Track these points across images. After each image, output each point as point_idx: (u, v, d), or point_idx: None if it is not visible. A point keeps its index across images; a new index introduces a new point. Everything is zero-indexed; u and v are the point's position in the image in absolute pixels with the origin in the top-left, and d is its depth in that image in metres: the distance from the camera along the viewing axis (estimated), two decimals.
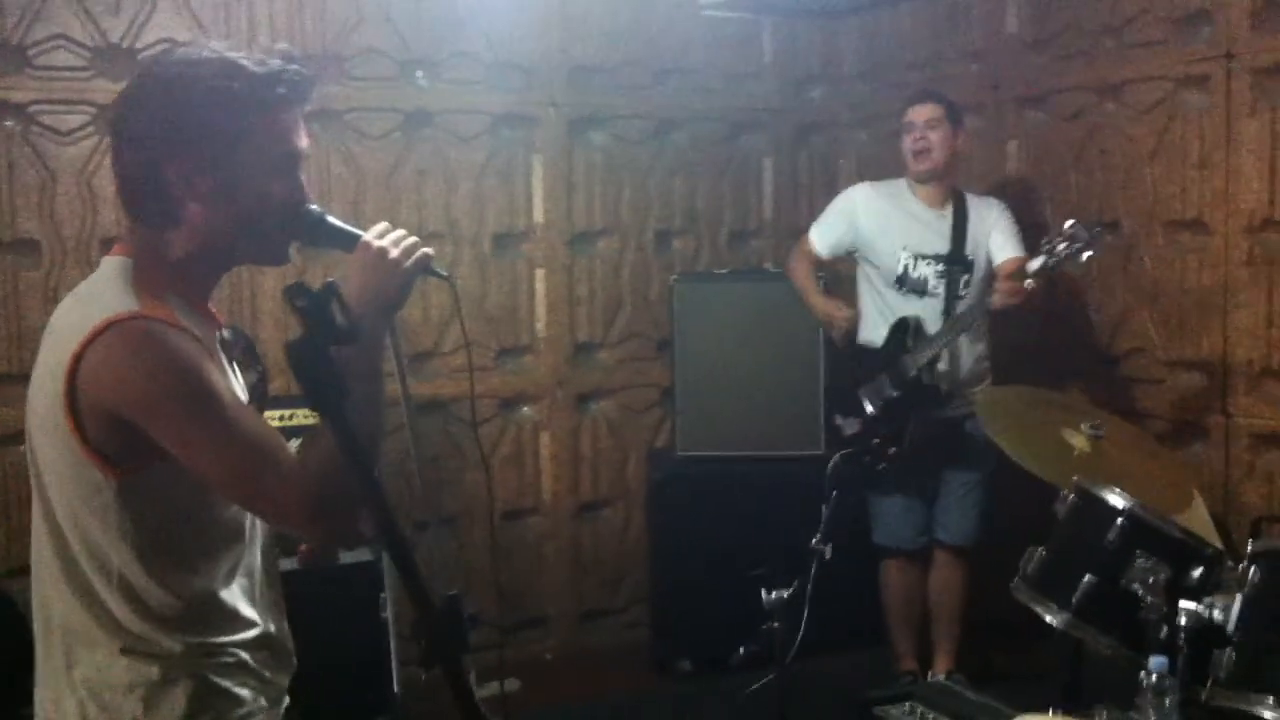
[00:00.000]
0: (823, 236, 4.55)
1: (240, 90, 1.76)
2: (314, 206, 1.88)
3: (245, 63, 1.78)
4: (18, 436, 4.18)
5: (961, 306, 4.27)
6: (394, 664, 3.09)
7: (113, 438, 1.70)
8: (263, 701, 1.88)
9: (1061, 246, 3.78)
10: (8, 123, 4.24)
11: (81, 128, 4.31)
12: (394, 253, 1.84)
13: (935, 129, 4.30)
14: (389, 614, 3.10)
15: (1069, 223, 3.81)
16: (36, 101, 4.26)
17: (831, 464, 3.94)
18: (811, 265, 4.60)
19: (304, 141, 1.85)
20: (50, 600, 1.81)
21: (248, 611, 1.86)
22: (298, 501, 1.71)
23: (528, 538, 5.17)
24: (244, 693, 1.84)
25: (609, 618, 5.32)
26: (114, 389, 1.68)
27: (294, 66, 1.81)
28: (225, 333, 1.91)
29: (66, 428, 1.70)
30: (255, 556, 1.90)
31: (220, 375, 1.76)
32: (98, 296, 1.75)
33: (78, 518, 1.75)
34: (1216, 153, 4.10)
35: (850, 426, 4.46)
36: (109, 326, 1.68)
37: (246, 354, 1.95)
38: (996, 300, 4.00)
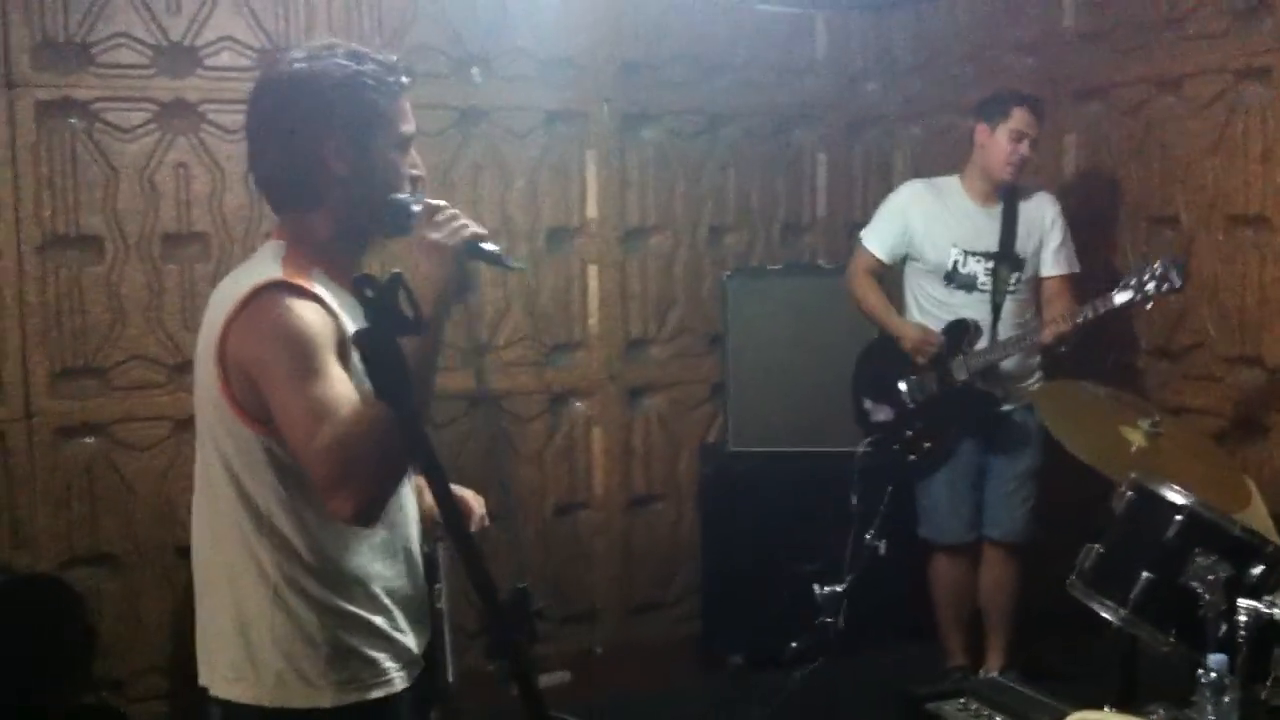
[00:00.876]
0: (881, 240, 4.48)
1: (377, 74, 1.97)
2: (400, 195, 2.02)
3: (371, 51, 2.00)
4: (81, 430, 4.31)
5: (1009, 304, 4.27)
6: (449, 654, 3.11)
7: (251, 395, 1.86)
8: (395, 664, 2.00)
9: (1150, 286, 3.77)
10: (71, 120, 4.31)
11: (143, 125, 4.38)
12: (435, 236, 1.92)
13: (1034, 146, 4.28)
14: (444, 605, 3.12)
15: (1161, 261, 3.79)
16: (100, 99, 4.33)
17: (860, 450, 3.94)
18: (874, 279, 4.51)
19: (414, 121, 2.05)
20: (208, 554, 1.99)
21: (381, 568, 1.98)
22: (322, 471, 1.79)
23: (579, 532, 5.20)
24: (379, 656, 1.97)
25: (659, 611, 5.33)
26: (241, 348, 1.86)
27: (397, 55, 2.05)
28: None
29: (218, 387, 1.88)
30: (397, 521, 2.02)
31: (335, 347, 1.86)
32: (251, 271, 1.94)
33: (234, 470, 1.91)
34: (1279, 147, 4.04)
35: (881, 413, 4.44)
36: (255, 292, 1.86)
37: None
38: (1046, 337, 4.03)
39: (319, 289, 1.91)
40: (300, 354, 1.82)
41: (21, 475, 4.26)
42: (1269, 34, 4.07)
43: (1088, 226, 4.51)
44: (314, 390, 1.81)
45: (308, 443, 1.79)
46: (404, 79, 2.01)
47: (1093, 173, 4.76)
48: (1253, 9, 4.12)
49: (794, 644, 3.49)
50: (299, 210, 2.00)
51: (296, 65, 1.98)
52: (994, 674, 4.22)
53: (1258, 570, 2.77)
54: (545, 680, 4.22)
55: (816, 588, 3.25)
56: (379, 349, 1.60)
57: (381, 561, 1.99)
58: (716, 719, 4.24)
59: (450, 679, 3.21)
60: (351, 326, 1.89)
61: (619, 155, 5.16)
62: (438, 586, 3.40)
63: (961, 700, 3.15)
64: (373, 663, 1.96)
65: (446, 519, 1.66)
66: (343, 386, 1.83)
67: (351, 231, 2.03)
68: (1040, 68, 4.96)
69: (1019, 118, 4.23)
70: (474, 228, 1.94)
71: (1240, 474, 3.55)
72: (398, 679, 2.00)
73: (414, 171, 2.05)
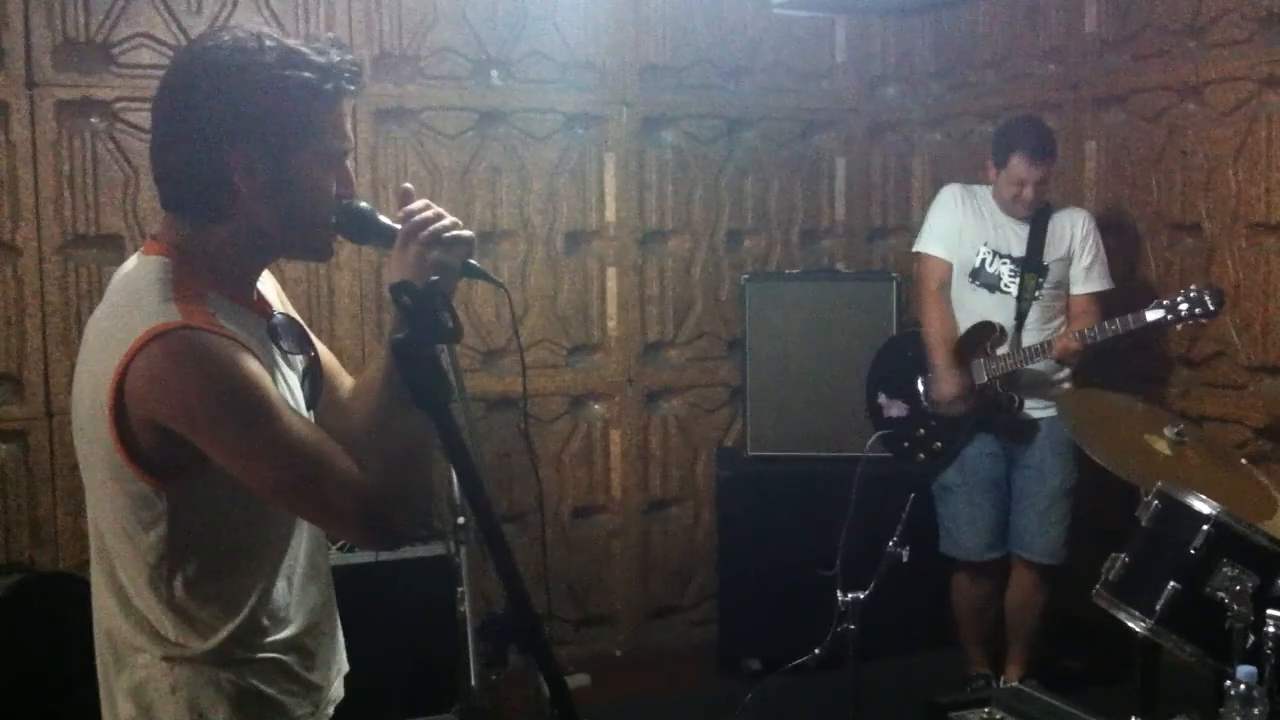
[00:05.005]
0: (945, 242, 4.36)
1: (306, 82, 1.71)
2: (364, 203, 1.84)
3: (307, 51, 1.72)
4: None
5: (1034, 310, 4.26)
6: (471, 657, 3.11)
7: (161, 450, 1.67)
8: (307, 708, 1.86)
9: (1183, 308, 3.76)
10: (93, 120, 4.33)
11: None
12: (435, 253, 1.75)
13: (1040, 185, 4.21)
14: (466, 608, 3.12)
15: (1198, 286, 3.80)
16: (120, 99, 4.34)
17: (869, 444, 3.92)
18: (946, 298, 4.34)
19: (350, 133, 1.82)
20: (100, 604, 1.82)
21: (289, 612, 1.84)
22: (358, 510, 1.70)
23: (597, 534, 5.19)
24: (287, 701, 1.83)
25: (677, 615, 5.33)
26: (161, 403, 1.63)
27: (349, 56, 1.77)
28: (276, 318, 1.88)
29: (111, 443, 1.67)
30: (300, 556, 1.88)
31: (269, 379, 1.71)
32: (136, 304, 1.69)
33: (125, 528, 1.73)
34: None
35: (895, 409, 4.43)
36: (153, 339, 1.63)
37: (298, 340, 1.91)
38: (1056, 353, 4.03)
39: (222, 320, 1.70)
40: (251, 400, 1.65)
41: (42, 474, 4.27)
42: None
43: (1109, 234, 4.49)
44: (294, 433, 1.68)
45: (315, 489, 1.68)
46: (346, 85, 1.75)
47: (1114, 180, 4.75)
48: (1276, 16, 4.11)
49: (816, 650, 3.46)
50: (200, 222, 1.75)
51: (212, 57, 1.71)
52: (1014, 683, 4.20)
53: None
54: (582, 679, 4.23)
55: (839, 594, 3.23)
56: (417, 357, 1.57)
57: (285, 602, 1.83)
58: None
59: (473, 682, 3.22)
60: (260, 351, 1.74)
61: (638, 158, 5.16)
62: (460, 590, 3.41)
63: (986, 709, 3.14)
64: (282, 708, 1.81)
65: (481, 519, 1.64)
66: (310, 423, 1.76)
67: (257, 249, 1.80)
68: (1061, 74, 4.94)
69: (1016, 166, 4.17)
70: (465, 238, 1.78)
71: (1264, 484, 3.54)
72: None
73: (345, 190, 1.80)
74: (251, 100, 1.69)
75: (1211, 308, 3.75)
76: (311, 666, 1.89)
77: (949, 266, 4.35)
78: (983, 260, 4.31)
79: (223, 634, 1.76)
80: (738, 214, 5.38)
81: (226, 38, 1.73)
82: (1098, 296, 4.28)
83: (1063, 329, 4.24)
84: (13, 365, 4.26)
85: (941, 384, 4.29)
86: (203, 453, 1.67)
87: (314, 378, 1.95)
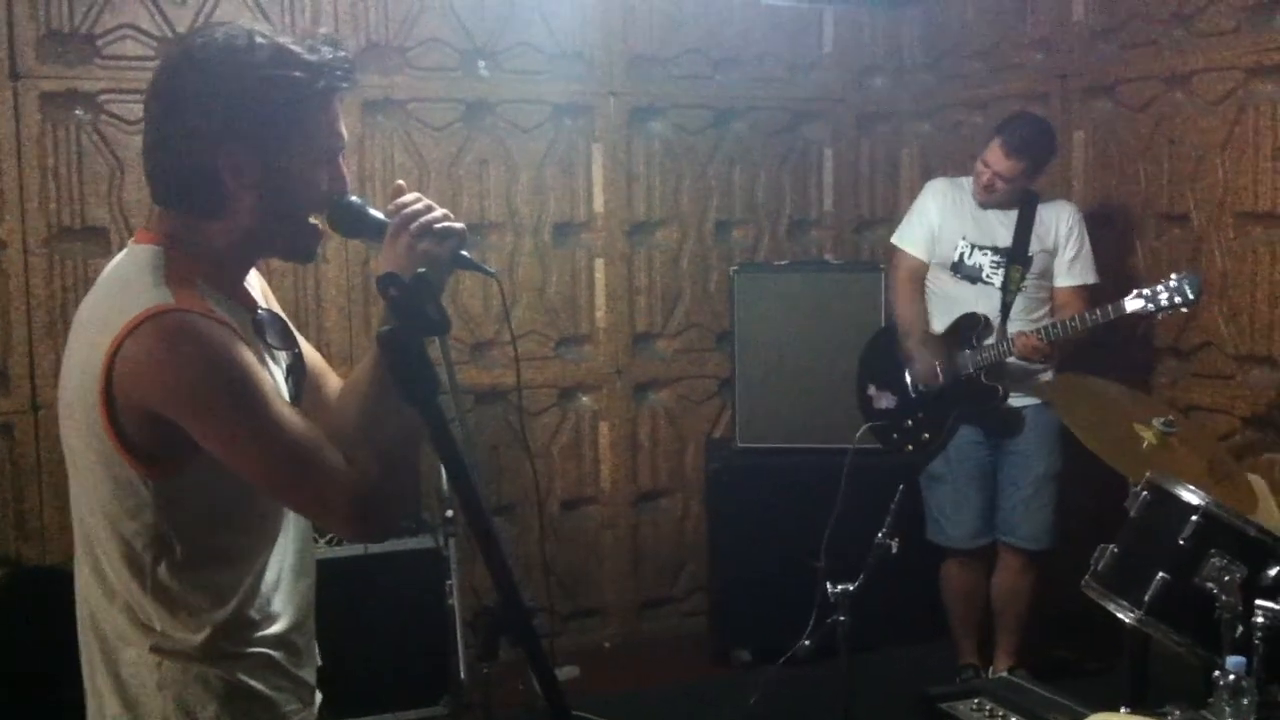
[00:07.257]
0: (914, 239, 4.43)
1: (297, 80, 1.69)
2: (355, 198, 1.82)
3: (298, 50, 1.70)
4: None
5: (1019, 301, 4.26)
6: (460, 650, 3.12)
7: (150, 435, 1.65)
8: (295, 704, 1.84)
9: (1163, 298, 3.77)
10: (77, 111, 4.30)
11: None
12: (425, 245, 1.75)
13: (1007, 180, 4.21)
14: (455, 601, 3.13)
15: (1177, 275, 3.79)
16: (105, 91, 4.32)
17: (857, 436, 3.95)
18: (917, 285, 4.43)
19: (344, 130, 1.80)
20: (85, 595, 1.79)
21: (277, 606, 1.82)
22: (345, 502, 1.68)
23: (586, 526, 5.19)
24: (276, 696, 1.81)
25: (667, 607, 5.33)
26: (152, 385, 1.62)
27: (341, 54, 1.75)
28: (261, 313, 1.86)
29: (101, 425, 1.65)
30: (288, 551, 1.86)
31: (261, 367, 1.71)
32: (128, 287, 1.68)
33: (110, 516, 1.71)
34: None
35: (884, 400, 4.46)
36: (145, 320, 1.62)
37: (282, 335, 1.90)
38: (1017, 350, 4.08)
39: (213, 306, 1.70)
40: (243, 386, 1.64)
41: (28, 468, 4.26)
42: (1279, 31, 4.05)
43: (1097, 224, 4.50)
44: (284, 421, 1.67)
45: (304, 479, 1.68)
46: (339, 82, 1.74)
47: (1102, 170, 4.75)
48: (1263, 5, 4.11)
49: (805, 641, 3.47)
50: (193, 216, 1.74)
51: (202, 56, 1.69)
52: (1003, 672, 4.21)
53: (1274, 571, 2.75)
54: (570, 672, 4.23)
55: (829, 585, 3.22)
56: (404, 349, 1.55)
57: (274, 596, 1.81)
58: (724, 715, 4.22)
59: (461, 675, 3.23)
60: (253, 342, 1.75)
61: (626, 149, 5.14)
62: (449, 583, 3.42)
63: (976, 700, 3.14)
64: (270, 704, 1.79)
65: (469, 513, 1.62)
66: (299, 413, 1.74)
67: (248, 245, 1.78)
68: (1049, 64, 4.94)
69: (989, 148, 4.24)
70: (456, 229, 1.78)
71: (1245, 475, 3.53)
72: None
73: (337, 186, 1.79)
74: (241, 101, 1.67)
75: (1191, 296, 3.75)
76: (299, 663, 1.87)
77: (920, 263, 4.43)
78: (961, 254, 4.33)
79: (210, 627, 1.74)
80: (726, 205, 5.37)
81: (218, 36, 1.71)
82: (1081, 290, 4.29)
83: (1048, 320, 4.25)
84: None
85: (916, 365, 4.37)
86: (192, 439, 1.65)
87: (297, 374, 1.93)
